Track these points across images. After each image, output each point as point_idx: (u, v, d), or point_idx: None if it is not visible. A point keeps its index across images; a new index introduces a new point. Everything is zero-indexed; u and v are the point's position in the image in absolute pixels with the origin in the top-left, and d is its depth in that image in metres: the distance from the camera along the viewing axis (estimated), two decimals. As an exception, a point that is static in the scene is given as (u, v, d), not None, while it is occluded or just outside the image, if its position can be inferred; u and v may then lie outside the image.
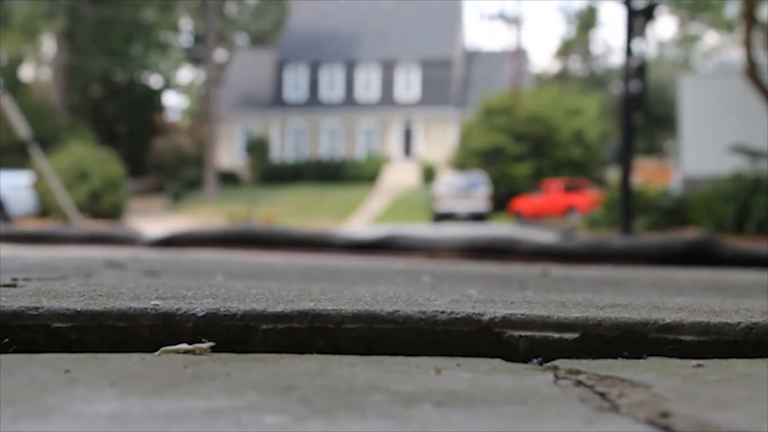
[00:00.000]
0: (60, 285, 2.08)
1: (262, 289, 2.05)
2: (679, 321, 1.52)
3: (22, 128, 12.47)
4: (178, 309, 1.51)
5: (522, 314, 1.52)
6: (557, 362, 1.43)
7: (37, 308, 1.48)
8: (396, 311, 1.53)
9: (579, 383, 1.26)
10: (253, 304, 1.58)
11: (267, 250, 6.35)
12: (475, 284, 2.74)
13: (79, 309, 1.50)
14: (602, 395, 1.17)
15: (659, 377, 1.31)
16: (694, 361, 1.49)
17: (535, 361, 1.48)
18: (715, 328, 1.51)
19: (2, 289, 1.87)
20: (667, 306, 1.82)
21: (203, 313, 1.50)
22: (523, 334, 1.46)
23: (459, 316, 1.52)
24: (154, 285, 2.17)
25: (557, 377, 1.31)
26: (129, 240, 7.17)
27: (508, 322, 1.51)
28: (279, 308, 1.52)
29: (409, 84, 56.99)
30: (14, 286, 2.00)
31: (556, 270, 4.43)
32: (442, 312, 1.52)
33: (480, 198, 37.99)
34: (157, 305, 1.50)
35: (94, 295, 1.74)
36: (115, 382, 1.20)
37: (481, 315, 1.52)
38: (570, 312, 1.61)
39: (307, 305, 1.57)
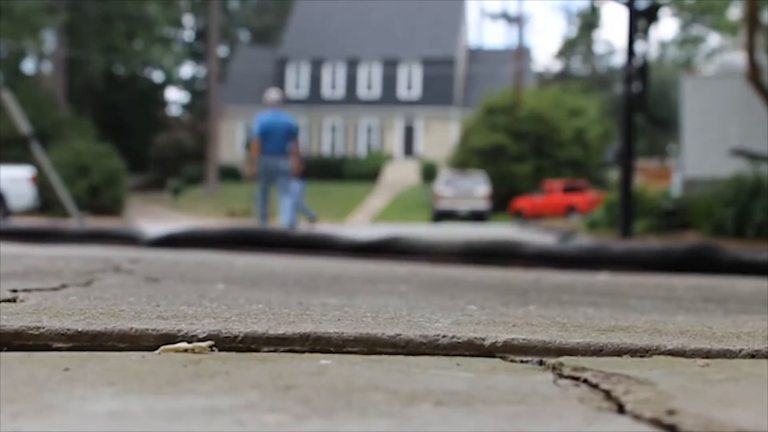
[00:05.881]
0: (60, 298, 2.08)
1: (263, 305, 2.05)
2: (681, 347, 1.53)
3: (22, 123, 12.46)
4: (179, 330, 1.51)
5: (524, 339, 1.53)
6: (562, 359, 1.44)
7: (38, 328, 1.48)
8: (398, 335, 1.53)
9: (581, 382, 1.26)
10: (254, 326, 1.59)
11: (267, 252, 6.35)
12: (475, 295, 2.74)
13: (80, 329, 1.50)
14: (607, 393, 1.17)
15: (665, 375, 1.31)
16: (700, 360, 1.49)
17: (534, 360, 1.48)
18: (717, 355, 1.52)
19: (3, 305, 1.87)
20: (668, 329, 1.82)
21: (204, 334, 1.50)
22: (524, 359, 1.47)
23: (461, 340, 1.53)
24: (155, 298, 2.16)
25: (560, 376, 1.32)
26: (129, 239, 7.16)
27: (509, 347, 1.52)
28: (280, 330, 1.53)
29: (410, 82, 57.00)
30: (14, 300, 2.00)
31: (557, 276, 4.43)
32: (444, 336, 1.53)
33: (480, 197, 38.01)
34: (158, 327, 1.51)
35: (95, 313, 1.74)
36: (115, 381, 1.20)
37: (483, 339, 1.52)
38: (571, 336, 1.61)
39: (308, 327, 1.58)
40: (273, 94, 14.37)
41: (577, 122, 44.85)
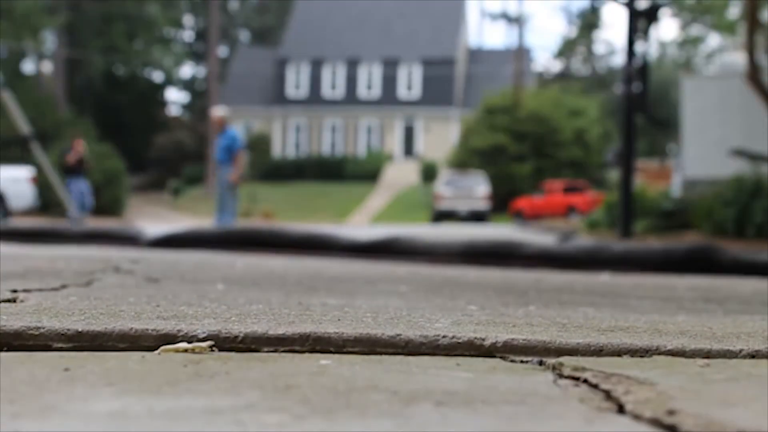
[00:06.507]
0: (60, 298, 2.07)
1: (263, 305, 2.05)
2: (681, 348, 1.53)
3: (22, 123, 12.46)
4: (179, 330, 1.51)
5: (524, 339, 1.53)
6: (562, 359, 1.43)
7: (38, 328, 1.48)
8: (398, 335, 1.53)
9: (581, 382, 1.26)
10: (255, 326, 1.58)
11: (267, 252, 6.34)
12: (475, 296, 2.74)
13: (80, 329, 1.50)
14: (607, 393, 1.17)
15: (665, 375, 1.31)
16: (700, 360, 1.49)
17: (534, 360, 1.48)
18: (717, 355, 1.52)
19: (3, 305, 1.87)
20: (668, 329, 1.82)
21: (205, 335, 1.50)
22: (525, 359, 1.46)
23: (461, 340, 1.53)
24: (155, 298, 2.16)
25: (560, 376, 1.31)
26: (129, 239, 7.16)
27: (509, 347, 1.52)
28: (280, 331, 1.53)
29: (410, 82, 57.00)
30: (14, 300, 2.00)
31: (557, 277, 4.42)
32: (444, 336, 1.53)
33: (480, 197, 38.00)
34: (158, 327, 1.50)
35: (95, 313, 1.74)
36: (115, 381, 1.20)
37: (483, 340, 1.52)
38: (571, 336, 1.61)
39: (308, 328, 1.57)
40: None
41: (577, 122, 44.84)
